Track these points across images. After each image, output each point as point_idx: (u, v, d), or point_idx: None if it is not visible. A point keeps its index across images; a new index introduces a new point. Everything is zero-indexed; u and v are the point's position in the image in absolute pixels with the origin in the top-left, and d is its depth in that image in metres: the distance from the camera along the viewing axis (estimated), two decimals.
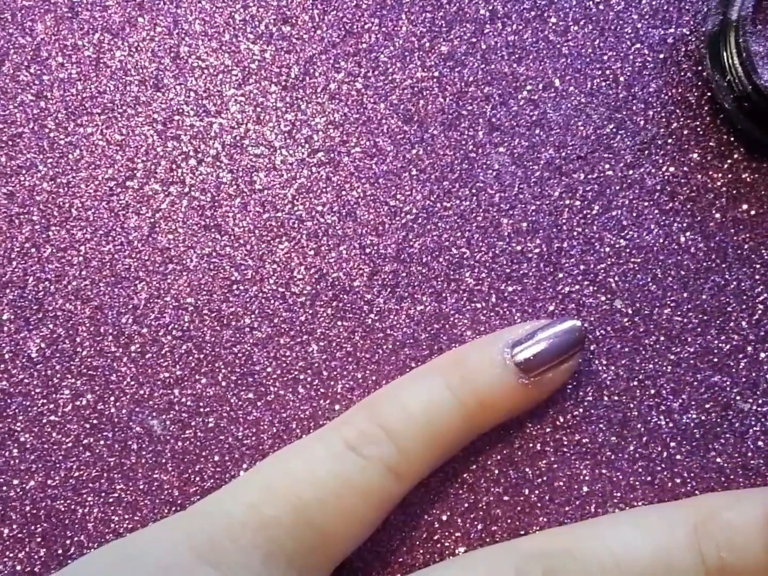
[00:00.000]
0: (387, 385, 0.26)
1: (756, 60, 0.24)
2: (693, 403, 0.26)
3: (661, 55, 0.27)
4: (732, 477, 0.25)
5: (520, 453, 0.26)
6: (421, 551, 0.25)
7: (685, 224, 0.26)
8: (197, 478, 0.26)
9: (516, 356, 0.24)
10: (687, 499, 0.25)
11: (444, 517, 0.25)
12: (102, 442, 0.26)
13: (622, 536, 0.22)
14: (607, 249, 0.26)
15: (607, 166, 0.27)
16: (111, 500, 0.26)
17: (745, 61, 0.24)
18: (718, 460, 0.25)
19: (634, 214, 0.26)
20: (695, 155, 0.26)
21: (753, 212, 0.26)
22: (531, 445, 0.26)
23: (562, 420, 0.26)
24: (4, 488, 0.26)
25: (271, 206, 0.27)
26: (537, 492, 0.25)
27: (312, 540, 0.22)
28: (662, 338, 0.26)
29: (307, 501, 0.22)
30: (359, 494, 0.23)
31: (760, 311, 0.26)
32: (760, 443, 0.25)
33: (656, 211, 0.26)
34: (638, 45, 0.27)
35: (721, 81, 0.25)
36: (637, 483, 0.25)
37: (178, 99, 0.27)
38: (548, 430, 0.26)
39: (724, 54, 0.25)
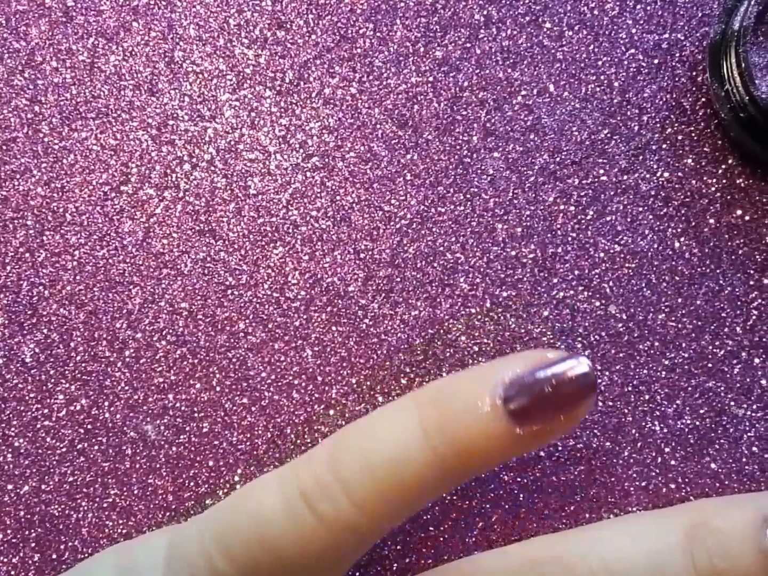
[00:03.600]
0: (362, 418, 0.22)
1: (755, 71, 0.24)
2: (687, 408, 0.26)
3: (656, 61, 0.27)
4: (726, 482, 0.25)
5: (514, 458, 0.26)
6: (415, 557, 0.25)
7: (679, 229, 0.26)
8: (191, 483, 0.26)
9: (510, 402, 0.19)
10: (679, 505, 0.25)
11: (438, 523, 0.25)
12: (96, 447, 0.26)
13: (613, 542, 0.22)
14: (602, 254, 0.26)
15: (601, 171, 0.27)
16: (105, 505, 0.26)
17: (744, 71, 0.24)
18: (713, 465, 0.25)
19: (629, 220, 0.26)
20: (690, 160, 0.26)
21: (747, 217, 0.26)
22: None
23: None
24: None
25: (265, 211, 0.27)
26: (531, 497, 0.25)
27: None
28: (656, 344, 0.26)
29: (264, 546, 0.20)
30: (312, 551, 0.20)
31: (754, 317, 0.26)
32: (754, 449, 0.25)
33: (651, 217, 0.26)
34: (633, 50, 0.27)
35: (719, 90, 0.25)
36: (632, 488, 0.25)
37: (173, 104, 0.27)
38: None
39: (724, 64, 0.25)
